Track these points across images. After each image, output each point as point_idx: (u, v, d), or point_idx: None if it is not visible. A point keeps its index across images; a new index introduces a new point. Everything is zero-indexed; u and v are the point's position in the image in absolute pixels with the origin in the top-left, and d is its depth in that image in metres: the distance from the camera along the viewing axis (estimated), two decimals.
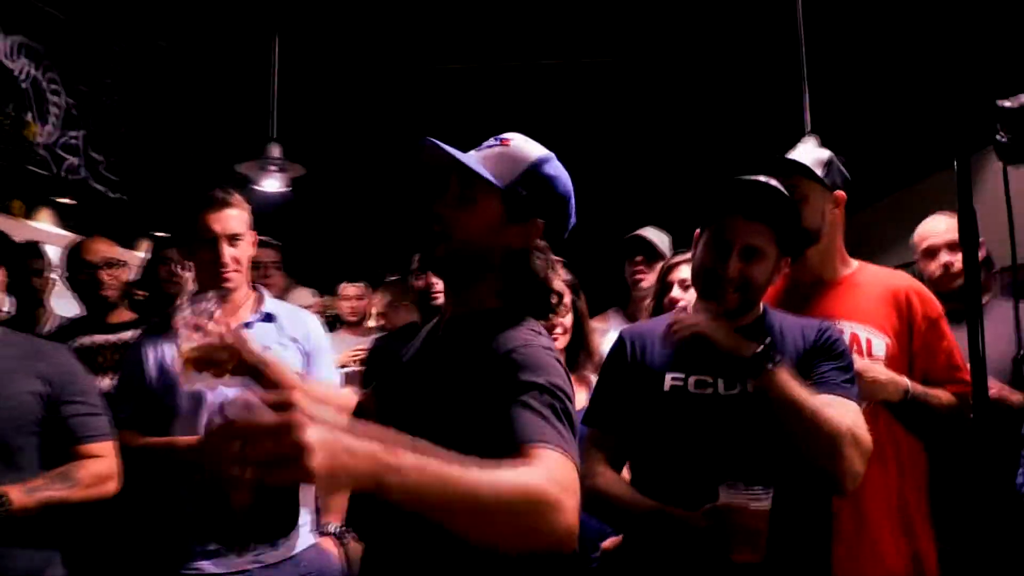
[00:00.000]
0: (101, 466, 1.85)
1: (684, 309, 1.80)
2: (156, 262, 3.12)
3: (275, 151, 3.88)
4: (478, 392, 1.19)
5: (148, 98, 5.78)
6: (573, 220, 1.40)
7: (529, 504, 0.97)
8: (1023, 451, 2.24)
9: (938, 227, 2.66)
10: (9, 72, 4.50)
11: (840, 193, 2.00)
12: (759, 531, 1.40)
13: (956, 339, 2.46)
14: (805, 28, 3.47)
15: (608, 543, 2.47)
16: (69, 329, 2.91)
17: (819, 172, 1.97)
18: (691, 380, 1.63)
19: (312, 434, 0.80)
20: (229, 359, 1.51)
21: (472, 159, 1.32)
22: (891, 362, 1.87)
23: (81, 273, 2.87)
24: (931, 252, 2.67)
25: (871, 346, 1.88)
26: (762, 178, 1.63)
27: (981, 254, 2.86)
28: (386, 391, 1.47)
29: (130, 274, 3.00)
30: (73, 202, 4.94)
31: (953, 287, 2.58)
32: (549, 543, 1.00)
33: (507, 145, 1.36)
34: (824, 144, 3.79)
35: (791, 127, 3.40)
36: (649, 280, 2.99)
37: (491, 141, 1.38)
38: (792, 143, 2.27)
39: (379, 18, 4.96)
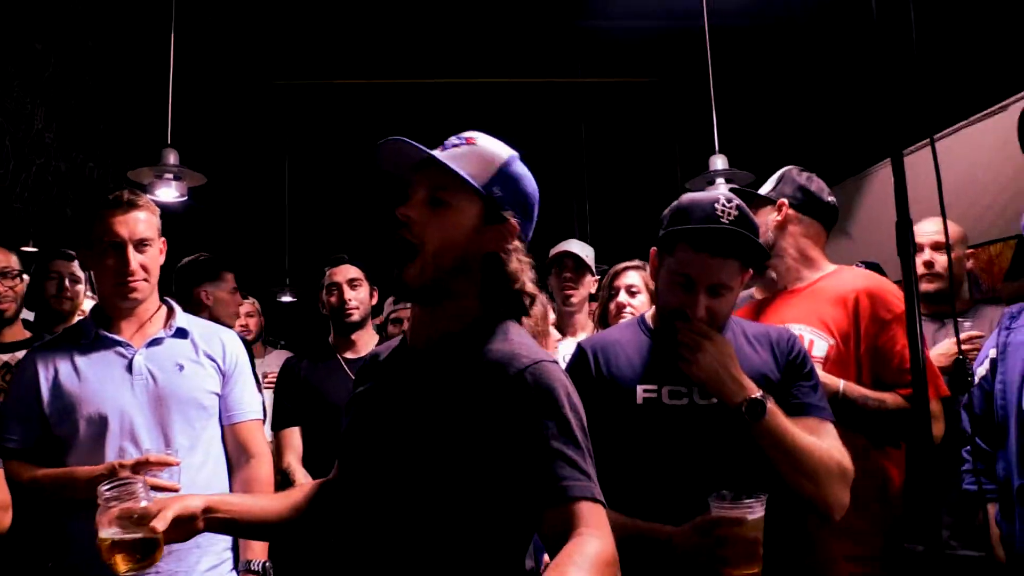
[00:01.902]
0: None
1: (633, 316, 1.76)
2: (42, 277, 2.81)
3: (171, 157, 3.61)
4: (491, 419, 1.14)
5: (18, 103, 5.33)
6: (535, 219, 1.33)
7: None
8: (964, 449, 2.30)
9: (926, 227, 2.68)
10: None
11: (781, 201, 2.04)
12: (755, 541, 1.33)
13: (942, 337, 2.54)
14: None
15: None
16: None
17: (764, 188, 2.06)
18: (664, 391, 1.55)
19: None
20: (160, 538, 1.26)
21: (447, 160, 1.22)
22: (833, 362, 1.88)
23: None
24: (917, 248, 2.74)
25: (812, 346, 1.89)
26: (720, 204, 1.56)
27: (969, 263, 2.96)
28: (364, 432, 1.31)
29: (24, 287, 2.68)
30: None
31: (931, 287, 2.66)
32: None
33: (474, 144, 1.28)
34: (733, 163, 3.94)
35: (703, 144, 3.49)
36: (579, 294, 2.95)
37: (454, 140, 1.29)
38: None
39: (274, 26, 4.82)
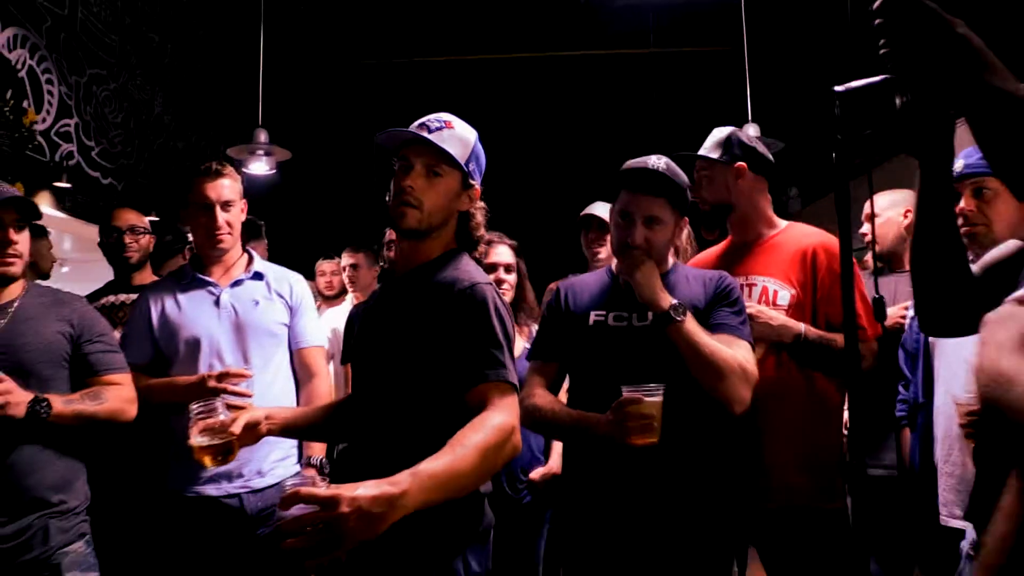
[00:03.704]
0: (123, 392, 2.11)
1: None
2: (111, 232, 3.24)
3: (262, 136, 4.15)
4: (441, 323, 1.55)
5: (139, 88, 6.04)
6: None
7: (502, 445, 1.40)
8: (900, 383, 2.58)
9: (878, 200, 2.91)
10: (8, 62, 4.74)
11: (739, 164, 2.27)
12: (651, 416, 1.73)
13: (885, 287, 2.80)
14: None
15: (535, 474, 2.84)
16: (102, 290, 3.18)
17: (715, 154, 2.29)
18: (610, 316, 1.98)
19: (349, 519, 1.13)
20: (236, 442, 1.75)
21: (437, 142, 1.63)
22: (795, 309, 2.16)
23: (109, 237, 3.15)
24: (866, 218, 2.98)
25: (776, 296, 2.18)
26: (650, 161, 1.97)
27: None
28: (361, 339, 1.78)
29: (151, 241, 3.26)
30: (69, 186, 5.20)
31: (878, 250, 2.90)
32: (510, 458, 1.45)
33: (453, 128, 1.68)
34: (767, 133, 4.14)
35: (735, 117, 3.71)
36: (604, 250, 3.30)
37: (435, 123, 1.68)
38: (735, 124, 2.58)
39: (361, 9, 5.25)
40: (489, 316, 1.54)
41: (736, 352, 1.86)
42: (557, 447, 2.94)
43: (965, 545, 1.61)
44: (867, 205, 2.91)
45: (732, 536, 1.98)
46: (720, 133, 2.33)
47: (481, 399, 1.47)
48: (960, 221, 1.94)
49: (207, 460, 1.77)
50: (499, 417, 1.43)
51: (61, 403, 1.97)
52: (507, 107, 5.85)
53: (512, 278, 2.89)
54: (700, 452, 1.91)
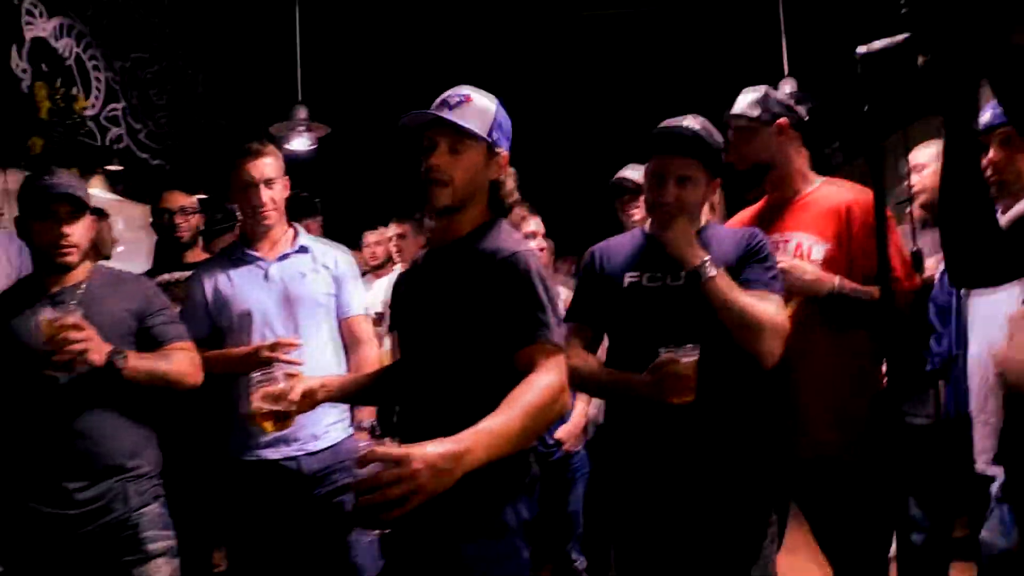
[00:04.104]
0: (190, 358, 2.22)
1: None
2: (163, 214, 3.39)
3: (301, 113, 4.25)
4: (486, 291, 1.63)
5: (181, 70, 6.17)
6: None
7: (552, 403, 1.49)
8: (932, 336, 2.59)
9: (919, 152, 2.93)
10: (55, 51, 4.89)
11: (781, 121, 2.30)
12: (687, 376, 1.79)
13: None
14: None
15: (560, 433, 2.95)
16: (156, 269, 3.32)
17: (754, 112, 2.30)
18: (644, 276, 2.03)
19: (423, 474, 1.22)
20: (294, 409, 1.87)
21: (457, 119, 1.69)
22: (829, 264, 2.19)
23: (160, 219, 3.29)
24: (912, 170, 2.94)
25: (811, 251, 2.21)
26: (684, 123, 2.00)
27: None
28: (405, 307, 1.87)
29: (201, 220, 3.40)
30: (120, 168, 5.36)
31: (922, 201, 2.90)
32: (560, 416, 1.56)
33: (472, 102, 1.73)
34: (803, 88, 4.10)
35: (770, 72, 3.68)
36: (639, 212, 3.32)
37: (455, 98, 1.73)
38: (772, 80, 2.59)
39: None
40: (532, 281, 1.61)
41: (767, 307, 1.91)
42: (579, 405, 3.04)
43: (995, 488, 1.65)
44: (912, 157, 2.92)
45: (770, 489, 2.03)
46: (754, 92, 2.33)
47: (529, 361, 1.54)
48: (989, 172, 1.95)
49: (267, 425, 1.89)
50: (548, 378, 1.51)
51: (135, 358, 2.09)
52: (538, 71, 5.86)
53: (545, 246, 2.99)
54: (736, 408, 1.97)
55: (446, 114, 1.68)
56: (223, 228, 3.65)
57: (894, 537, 3.12)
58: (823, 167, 3.97)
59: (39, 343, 1.97)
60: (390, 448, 1.25)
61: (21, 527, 2.06)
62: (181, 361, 2.19)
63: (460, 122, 1.68)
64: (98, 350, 1.99)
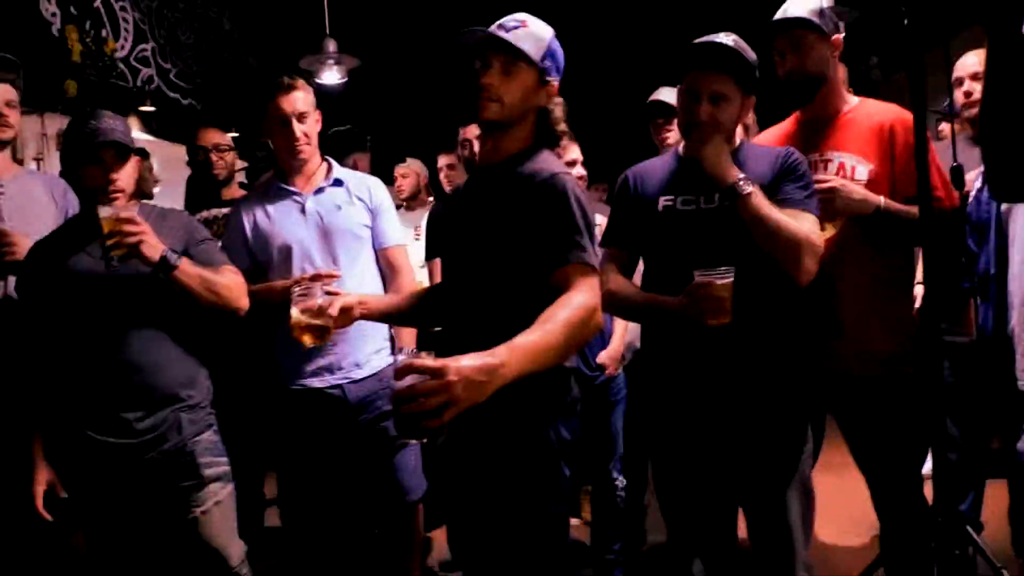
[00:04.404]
0: (234, 280, 2.25)
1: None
2: (198, 152, 3.45)
3: (331, 46, 4.24)
4: (525, 212, 1.66)
5: (207, 7, 6.15)
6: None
7: (586, 322, 1.53)
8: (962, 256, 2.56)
9: (965, 60, 2.90)
10: None
11: (837, 38, 2.27)
12: (723, 298, 1.81)
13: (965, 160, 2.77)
14: None
15: (602, 357, 2.99)
16: (193, 205, 3.41)
17: (817, 21, 2.24)
18: (679, 200, 2.03)
19: (458, 386, 1.26)
20: (332, 323, 1.92)
21: (513, 41, 1.71)
22: (873, 184, 2.18)
23: (196, 155, 3.34)
24: (959, 82, 2.92)
25: (854, 172, 2.20)
26: (718, 37, 1.97)
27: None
28: (449, 229, 1.89)
29: (235, 157, 3.45)
30: (153, 109, 5.41)
31: (972, 112, 2.84)
32: (594, 334, 1.60)
33: (527, 27, 1.75)
34: (842, 2, 3.96)
35: None
36: (673, 135, 3.30)
37: (511, 23, 1.75)
38: None
39: None
40: (569, 203, 1.64)
41: (802, 224, 1.91)
42: (618, 330, 3.07)
43: None
44: (959, 65, 2.85)
45: (805, 407, 2.06)
46: (812, 3, 2.27)
47: (564, 280, 1.58)
48: None
49: (306, 338, 1.94)
50: (582, 296, 1.55)
51: (189, 264, 2.13)
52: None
53: (584, 174, 2.99)
54: (772, 329, 1.98)
55: (502, 35, 1.70)
56: (267, 165, 3.70)
57: (929, 454, 3.18)
58: (862, 83, 3.87)
59: (100, 238, 2.03)
60: (426, 360, 1.29)
61: (83, 456, 2.15)
62: (231, 279, 2.24)
63: (517, 44, 1.69)
64: (153, 245, 2.05)
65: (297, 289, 1.95)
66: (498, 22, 1.75)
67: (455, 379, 1.27)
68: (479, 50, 1.74)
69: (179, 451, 2.18)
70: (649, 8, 6.19)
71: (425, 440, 1.42)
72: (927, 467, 2.64)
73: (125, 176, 2.19)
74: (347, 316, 1.94)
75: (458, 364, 1.29)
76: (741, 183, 1.89)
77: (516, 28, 1.73)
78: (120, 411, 2.13)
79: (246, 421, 2.80)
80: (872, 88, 6.13)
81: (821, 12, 2.27)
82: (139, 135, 5.19)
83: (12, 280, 2.45)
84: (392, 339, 2.66)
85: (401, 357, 1.33)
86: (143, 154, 3.77)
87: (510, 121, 1.75)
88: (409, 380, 1.28)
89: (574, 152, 2.98)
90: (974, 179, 2.62)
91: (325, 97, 2.69)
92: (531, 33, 1.74)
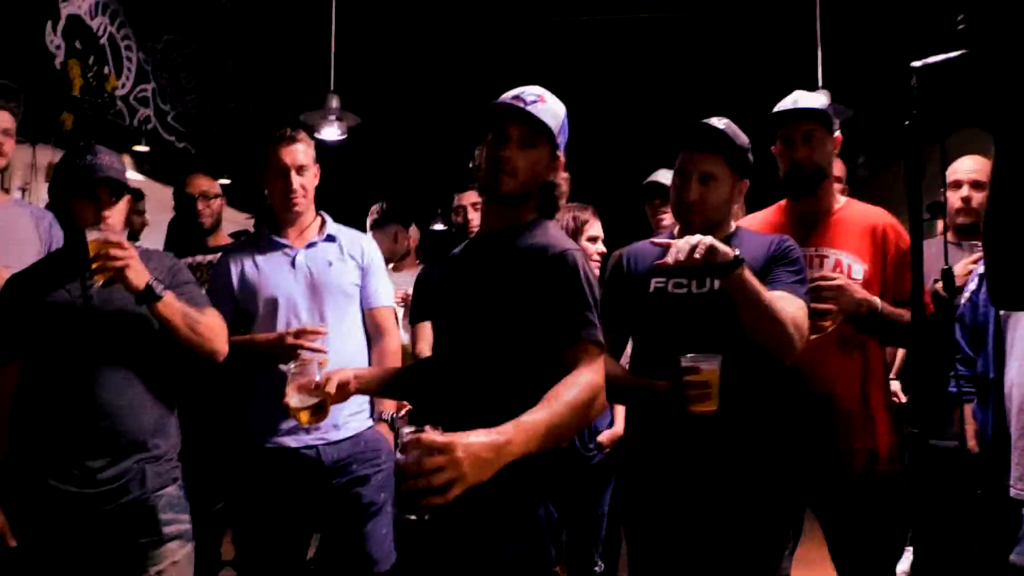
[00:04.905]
0: (216, 322, 2.19)
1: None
2: (187, 199, 3.42)
3: (333, 101, 4.26)
4: (533, 285, 1.64)
5: (212, 54, 6.20)
6: None
7: (592, 402, 1.51)
8: (957, 357, 2.57)
9: (965, 164, 2.93)
10: (89, 29, 4.91)
11: (839, 136, 2.34)
12: (710, 384, 1.78)
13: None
14: None
15: (603, 437, 2.93)
16: (179, 252, 3.33)
17: (826, 116, 2.28)
18: (670, 283, 2.02)
19: (465, 463, 1.25)
20: (328, 400, 1.88)
21: (535, 113, 1.71)
22: (867, 284, 2.21)
23: (184, 202, 3.31)
24: (956, 185, 2.94)
25: (851, 270, 2.23)
26: (710, 120, 2.00)
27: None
28: (447, 297, 1.85)
29: (223, 204, 3.41)
30: (147, 149, 5.39)
31: (965, 220, 2.87)
32: (599, 415, 1.61)
33: (545, 102, 1.76)
34: (836, 99, 4.08)
35: (804, 83, 3.65)
36: (669, 217, 3.32)
37: (531, 97, 1.75)
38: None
39: None
40: (580, 280, 1.62)
41: (789, 304, 1.90)
42: (621, 410, 3.02)
43: None
44: (953, 170, 2.90)
45: (789, 501, 2.03)
46: (817, 98, 2.32)
47: (573, 358, 1.55)
48: None
49: (303, 417, 1.90)
50: (589, 375, 1.52)
51: (172, 296, 2.07)
52: (572, 73, 5.85)
53: (603, 250, 2.98)
54: (757, 419, 1.95)
55: (527, 108, 1.70)
56: None
57: (906, 555, 3.13)
58: (849, 180, 3.95)
59: (87, 261, 1.97)
60: (434, 436, 1.26)
61: (40, 504, 2.05)
62: (213, 320, 2.18)
63: (547, 121, 1.70)
64: (139, 272, 1.99)
65: (291, 366, 1.92)
66: (514, 93, 1.75)
67: (463, 456, 1.25)
68: (498, 121, 1.74)
69: (140, 504, 2.08)
70: (654, 92, 6.32)
71: (426, 517, 1.37)
72: (905, 565, 2.60)
73: (117, 214, 2.15)
74: (343, 392, 1.89)
75: (467, 441, 1.27)
76: (736, 260, 1.85)
77: (535, 102, 1.73)
78: (84, 458, 2.04)
79: (211, 476, 2.69)
80: (858, 186, 6.26)
81: (829, 107, 2.34)
82: (131, 175, 5.16)
83: None
84: (372, 402, 2.60)
85: (407, 430, 1.30)
86: (137, 195, 3.76)
87: (523, 196, 1.74)
88: (415, 455, 1.25)
89: (596, 228, 2.97)
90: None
91: (322, 152, 2.67)
92: (549, 108, 1.74)
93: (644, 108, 6.28)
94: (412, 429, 1.28)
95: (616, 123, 6.54)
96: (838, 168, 3.22)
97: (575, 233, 2.83)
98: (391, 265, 4.32)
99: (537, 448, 1.39)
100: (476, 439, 1.28)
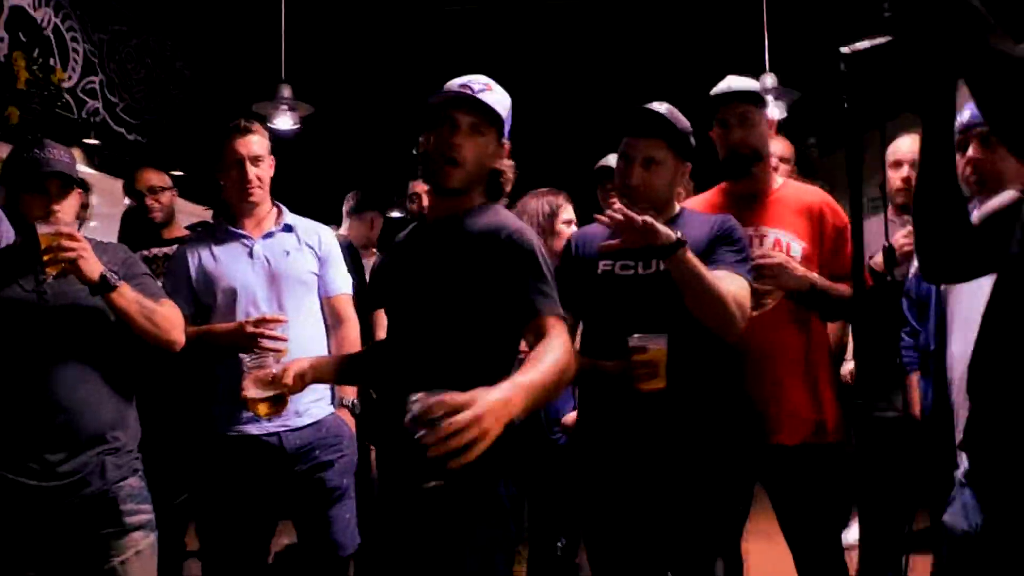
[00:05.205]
0: (172, 312, 2.20)
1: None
2: (135, 195, 3.45)
3: (285, 91, 4.24)
4: (489, 266, 1.68)
5: (161, 44, 6.11)
6: None
7: (569, 365, 1.55)
8: (904, 329, 2.67)
9: (905, 144, 3.01)
10: (34, 20, 4.82)
11: (773, 119, 2.40)
12: (656, 363, 1.84)
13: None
14: None
15: (567, 419, 2.99)
16: (135, 244, 3.32)
17: (758, 98, 2.37)
18: (617, 265, 2.08)
19: (487, 419, 1.27)
20: (286, 392, 1.90)
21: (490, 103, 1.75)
22: (806, 261, 2.29)
23: (132, 199, 3.29)
24: (896, 164, 3.03)
25: (790, 248, 2.30)
26: (651, 105, 2.06)
27: None
28: (398, 284, 1.88)
29: (174, 196, 3.39)
30: (97, 142, 5.30)
31: (907, 200, 2.95)
32: (572, 379, 1.63)
33: (492, 90, 1.80)
34: (784, 82, 4.16)
35: (752, 65, 3.73)
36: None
37: (479, 85, 1.79)
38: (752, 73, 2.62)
39: None
40: (537, 257, 1.68)
41: (731, 282, 1.96)
42: None
43: (958, 474, 1.71)
44: (892, 150, 2.99)
45: (738, 475, 2.10)
46: (750, 80, 2.38)
47: (541, 329, 1.60)
48: (968, 170, 2.02)
49: (261, 410, 1.92)
50: (561, 340, 1.58)
51: (127, 286, 2.07)
52: (522, 58, 5.89)
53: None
54: (705, 395, 2.02)
55: (476, 95, 1.74)
56: None
57: (853, 525, 3.24)
58: (800, 161, 4.04)
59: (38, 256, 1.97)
60: (456, 395, 1.27)
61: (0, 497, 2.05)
62: (169, 310, 2.19)
63: (497, 108, 1.75)
64: (92, 263, 1.99)
65: (248, 360, 1.93)
66: (461, 81, 1.79)
67: (485, 411, 1.27)
68: (446, 109, 1.77)
69: (101, 496, 2.09)
70: (603, 76, 6.38)
71: (442, 483, 1.38)
72: (853, 536, 2.69)
73: (67, 207, 2.15)
74: (301, 382, 1.91)
75: (485, 397, 1.29)
76: (677, 242, 1.91)
77: (483, 90, 1.77)
78: (42, 452, 2.05)
79: (173, 466, 2.70)
80: (810, 166, 6.39)
81: (761, 90, 2.40)
82: (80, 168, 5.07)
83: None
84: (332, 388, 2.62)
85: (415, 397, 1.28)
86: (84, 187, 3.71)
87: (469, 185, 1.78)
88: (439, 416, 1.25)
89: (569, 212, 3.03)
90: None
91: (276, 142, 2.67)
92: (496, 96, 1.79)
93: (596, 91, 6.34)
94: (422, 395, 1.28)
95: (570, 107, 6.59)
96: (785, 149, 3.31)
97: (550, 217, 2.88)
98: (372, 251, 4.34)
99: (532, 407, 1.41)
100: (492, 396, 1.31)
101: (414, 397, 1.29)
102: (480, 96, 1.75)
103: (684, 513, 2.00)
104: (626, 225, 1.87)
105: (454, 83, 1.79)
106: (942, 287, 2.30)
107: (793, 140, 3.49)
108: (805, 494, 2.25)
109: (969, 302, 2.12)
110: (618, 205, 1.94)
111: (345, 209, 4.12)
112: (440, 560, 1.67)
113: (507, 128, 1.83)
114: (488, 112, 1.75)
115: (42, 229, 1.98)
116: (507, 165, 1.85)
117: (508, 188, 1.87)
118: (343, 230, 3.96)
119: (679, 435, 1.99)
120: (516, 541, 3.31)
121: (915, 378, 2.65)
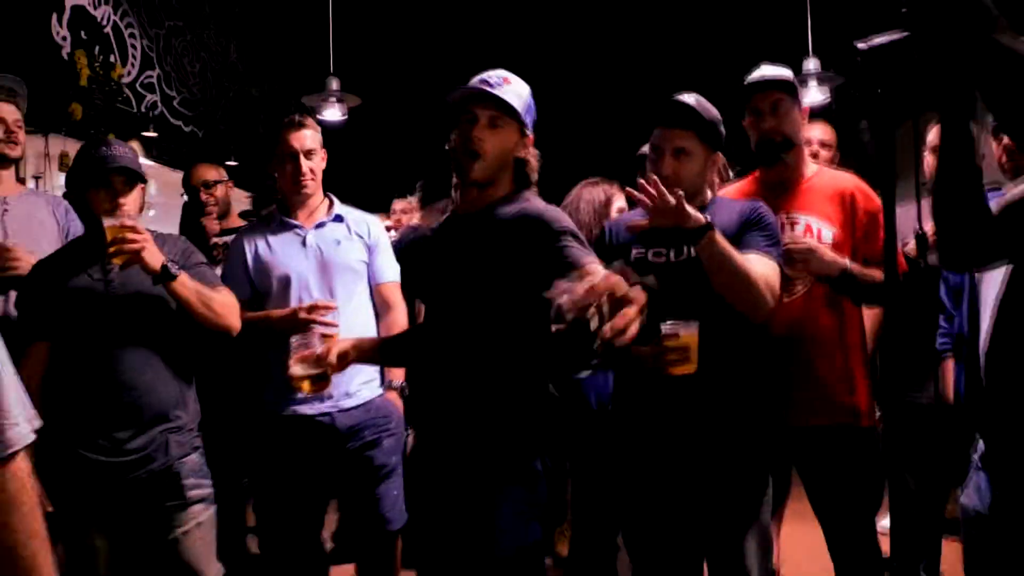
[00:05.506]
0: (229, 299, 2.33)
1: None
2: (191, 190, 3.59)
3: (334, 84, 4.37)
4: (525, 249, 1.76)
5: (215, 39, 6.28)
6: None
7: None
8: (942, 315, 2.67)
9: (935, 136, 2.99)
10: (93, 19, 5.01)
11: (807, 107, 2.42)
12: (687, 349, 1.89)
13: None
14: None
15: None
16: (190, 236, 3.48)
17: (792, 87, 2.38)
18: (650, 252, 2.13)
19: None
20: (330, 371, 2.00)
21: (501, 95, 1.83)
22: (837, 247, 2.30)
23: (188, 194, 3.44)
24: (935, 150, 3.00)
25: (820, 234, 2.31)
26: (680, 96, 2.10)
27: None
28: (434, 273, 1.98)
29: (231, 188, 3.53)
30: (155, 135, 5.51)
31: None
32: None
33: (511, 83, 1.89)
34: (826, 67, 4.13)
35: (795, 51, 3.71)
36: None
37: (495, 79, 1.88)
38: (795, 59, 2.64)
39: None
40: (569, 233, 1.76)
41: (760, 264, 1.99)
42: None
43: (975, 456, 1.74)
44: (931, 138, 2.98)
45: (767, 457, 2.13)
46: (781, 70, 2.39)
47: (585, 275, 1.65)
48: (1004, 157, 2.03)
49: (305, 386, 2.03)
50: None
51: (186, 275, 2.20)
52: (564, 47, 5.93)
53: None
54: (736, 379, 2.07)
55: (491, 90, 1.82)
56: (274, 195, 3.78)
57: (886, 509, 3.24)
58: (853, 145, 4.00)
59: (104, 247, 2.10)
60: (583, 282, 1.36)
61: (72, 473, 2.19)
62: (226, 297, 2.32)
63: (513, 103, 1.82)
64: (154, 253, 2.13)
65: (294, 340, 2.04)
66: (480, 77, 1.88)
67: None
68: (465, 105, 1.86)
69: (165, 471, 2.23)
70: (643, 63, 6.38)
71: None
72: (885, 522, 2.69)
73: (132, 201, 2.28)
74: (344, 362, 2.02)
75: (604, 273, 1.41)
76: (706, 226, 1.94)
77: (501, 84, 1.85)
78: (111, 430, 2.19)
79: (232, 445, 2.84)
80: (862, 150, 6.29)
81: (804, 75, 2.42)
82: (142, 161, 5.27)
83: (13, 296, 2.51)
84: (382, 370, 2.73)
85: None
86: (145, 181, 3.88)
87: (492, 176, 1.87)
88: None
89: (621, 201, 3.06)
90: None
91: (324, 133, 2.78)
92: (514, 90, 1.88)
93: (634, 79, 6.34)
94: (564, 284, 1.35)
95: (606, 94, 6.60)
96: (827, 134, 3.31)
97: (605, 205, 2.94)
98: None
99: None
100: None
101: (560, 287, 1.37)
102: (496, 91, 1.83)
103: (714, 494, 2.05)
104: (658, 199, 1.92)
105: (475, 79, 1.88)
106: (976, 274, 2.31)
107: (844, 124, 3.46)
108: (837, 477, 2.27)
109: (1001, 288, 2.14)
110: (653, 178, 1.97)
111: (416, 201, 4.20)
112: (474, 523, 1.76)
113: (530, 118, 1.90)
114: (505, 106, 1.83)
115: (108, 222, 2.11)
116: (532, 154, 1.93)
117: (535, 176, 1.94)
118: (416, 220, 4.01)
119: (709, 417, 2.04)
120: (559, 519, 3.40)
121: (950, 363, 2.65)
